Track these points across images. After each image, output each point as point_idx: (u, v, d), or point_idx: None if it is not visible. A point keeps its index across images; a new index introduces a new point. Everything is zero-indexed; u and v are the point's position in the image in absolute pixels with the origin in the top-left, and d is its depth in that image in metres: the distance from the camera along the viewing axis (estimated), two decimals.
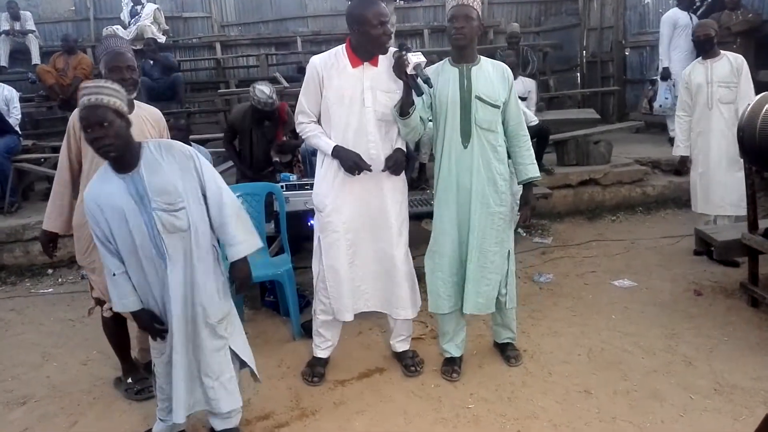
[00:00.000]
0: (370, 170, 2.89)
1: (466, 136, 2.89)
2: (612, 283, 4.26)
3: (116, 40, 3.14)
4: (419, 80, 2.72)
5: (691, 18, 6.99)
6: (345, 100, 2.89)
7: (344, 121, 2.91)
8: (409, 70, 2.69)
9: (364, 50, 2.87)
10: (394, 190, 3.03)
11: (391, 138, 2.99)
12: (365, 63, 2.89)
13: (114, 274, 2.36)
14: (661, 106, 6.97)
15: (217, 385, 2.51)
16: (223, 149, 5.81)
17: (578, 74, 10.48)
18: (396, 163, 2.96)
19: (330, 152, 2.90)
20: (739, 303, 3.79)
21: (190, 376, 2.49)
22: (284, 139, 4.95)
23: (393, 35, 2.97)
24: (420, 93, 2.77)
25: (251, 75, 9.76)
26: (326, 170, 3.01)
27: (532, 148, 3.05)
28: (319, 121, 3.00)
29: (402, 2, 10.83)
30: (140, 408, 3.00)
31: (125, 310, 2.42)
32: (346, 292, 3.03)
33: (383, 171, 2.95)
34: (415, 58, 2.68)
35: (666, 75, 6.89)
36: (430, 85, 2.75)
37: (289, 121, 4.86)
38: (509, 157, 3.02)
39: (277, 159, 4.91)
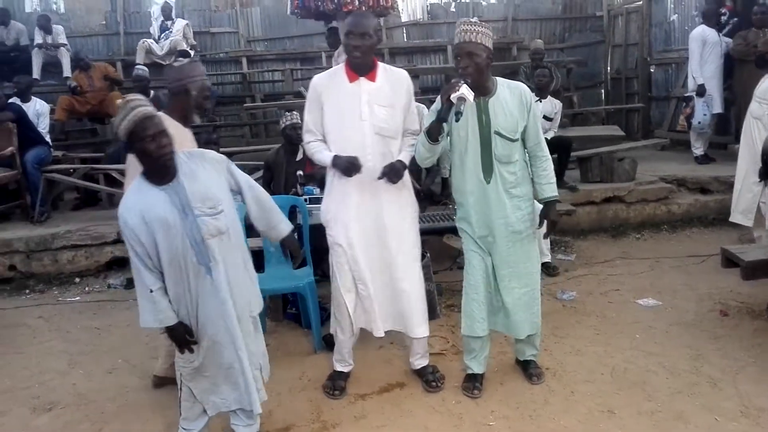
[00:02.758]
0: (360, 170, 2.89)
1: (487, 171, 2.88)
2: (636, 301, 4.21)
3: (196, 67, 3.24)
4: (452, 110, 2.68)
5: (719, 35, 6.95)
6: (343, 114, 2.94)
7: (343, 136, 2.95)
8: (453, 97, 2.64)
9: (350, 62, 2.94)
10: (395, 205, 3.03)
11: (391, 152, 2.99)
12: (362, 78, 2.93)
13: (151, 291, 2.39)
14: (699, 123, 6.93)
15: (260, 380, 2.62)
16: (248, 162, 5.90)
17: (602, 91, 10.44)
18: (392, 170, 2.93)
19: (330, 163, 2.93)
20: (766, 324, 3.72)
21: (246, 374, 2.53)
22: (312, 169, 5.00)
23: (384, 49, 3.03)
24: (444, 120, 2.73)
25: (276, 89, 9.90)
26: (330, 186, 3.06)
27: (551, 167, 3.03)
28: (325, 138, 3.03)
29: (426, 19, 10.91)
30: (164, 417, 3.03)
31: (161, 325, 2.45)
32: (366, 307, 3.04)
33: (379, 178, 2.94)
34: (466, 91, 2.63)
35: (702, 91, 6.83)
36: (457, 120, 2.71)
37: None
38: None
39: (301, 173, 4.95)
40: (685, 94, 7.41)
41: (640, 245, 5.58)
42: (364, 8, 3.71)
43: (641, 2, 9.79)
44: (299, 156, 4.80)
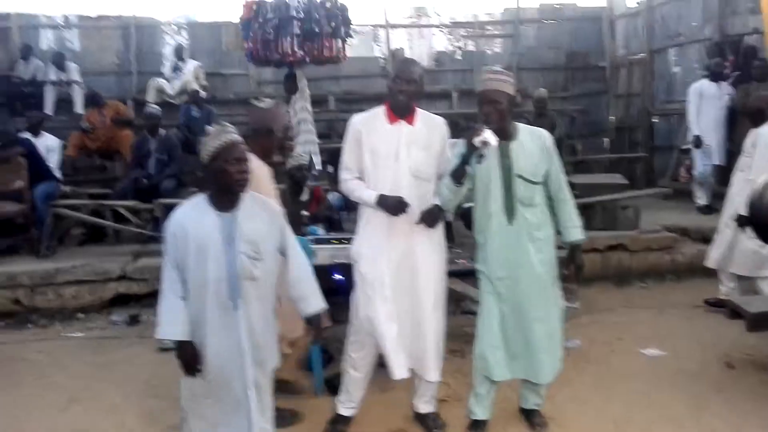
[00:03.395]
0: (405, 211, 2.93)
1: (510, 213, 2.93)
2: (640, 351, 4.19)
3: (279, 107, 3.43)
4: (475, 154, 2.74)
5: (720, 88, 7.08)
6: (381, 155, 3.00)
7: (380, 176, 3.01)
8: (477, 141, 2.70)
9: (393, 105, 3.01)
10: (430, 246, 3.07)
11: (426, 195, 3.04)
12: (401, 120, 3.00)
13: (180, 298, 2.43)
14: (701, 173, 7.03)
15: (268, 428, 2.58)
16: None
17: (605, 140, 10.57)
18: (430, 215, 3.00)
19: (374, 202, 2.97)
20: None
21: (248, 420, 2.49)
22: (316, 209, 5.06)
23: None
24: (466, 163, 2.79)
25: None
26: (365, 223, 3.10)
27: (575, 210, 3.08)
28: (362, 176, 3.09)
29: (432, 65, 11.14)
30: None
31: (174, 337, 2.45)
32: (389, 346, 3.01)
33: (417, 223, 2.99)
34: (491, 138, 2.69)
35: (698, 143, 6.95)
36: (479, 163, 2.78)
37: (323, 201, 5.05)
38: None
39: (306, 213, 4.99)
40: (683, 146, 7.53)
41: (643, 294, 5.57)
42: (308, 59, 3.84)
43: (644, 54, 10.02)
44: (304, 197, 4.85)
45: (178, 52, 9.45)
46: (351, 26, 4.12)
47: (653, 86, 9.88)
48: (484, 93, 2.89)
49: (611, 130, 10.56)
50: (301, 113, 6.81)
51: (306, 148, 6.70)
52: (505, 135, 2.92)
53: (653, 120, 9.82)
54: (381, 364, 3.26)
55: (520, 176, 2.91)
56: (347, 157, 3.10)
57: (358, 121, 3.08)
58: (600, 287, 5.71)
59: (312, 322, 2.66)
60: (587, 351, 4.20)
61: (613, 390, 3.61)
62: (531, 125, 3.15)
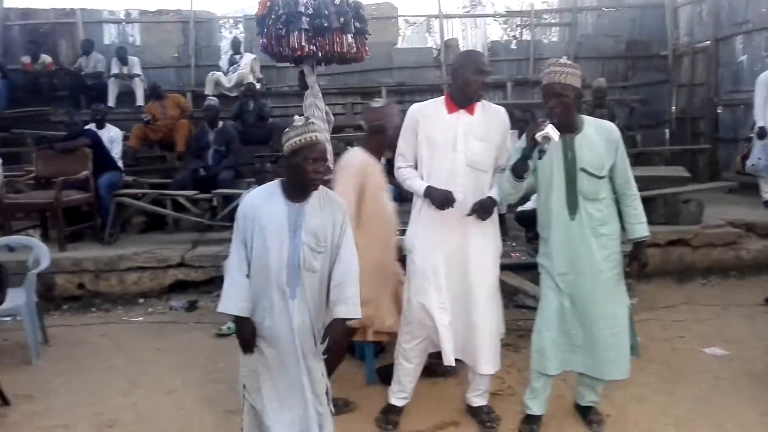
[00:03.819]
0: (452, 205, 2.91)
1: (572, 208, 2.87)
2: (702, 350, 4.05)
3: (392, 108, 3.56)
4: (537, 149, 2.69)
5: None
6: (437, 144, 2.98)
7: (436, 165, 2.99)
8: (539, 135, 2.65)
9: (462, 97, 2.97)
10: (483, 238, 3.03)
11: (482, 186, 3.01)
12: (461, 110, 2.97)
13: (246, 276, 2.50)
14: (753, 165, 6.70)
15: (324, 411, 2.61)
16: None
17: (666, 131, 10.22)
18: (482, 207, 2.95)
19: (422, 192, 2.97)
20: None
21: (307, 403, 2.54)
22: None
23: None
24: (528, 157, 2.74)
25: (337, 122, 10.06)
26: (417, 213, 3.09)
27: (641, 206, 2.98)
28: (416, 165, 3.09)
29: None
30: None
31: (235, 312, 2.51)
32: (443, 335, 3.00)
33: (468, 215, 2.96)
34: (551, 131, 2.64)
35: (762, 134, 6.62)
36: (540, 158, 2.74)
37: None
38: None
39: None
40: (748, 135, 7.19)
41: (706, 291, 5.38)
42: (320, 54, 3.87)
43: (709, 42, 9.62)
44: None
45: (235, 46, 9.63)
46: (365, 23, 4.13)
47: (718, 75, 9.48)
48: (549, 86, 2.81)
49: (672, 121, 10.20)
50: (309, 110, 6.84)
51: None
52: (569, 128, 2.85)
53: (717, 110, 9.42)
54: (433, 357, 3.26)
55: (584, 170, 2.84)
56: (402, 145, 3.09)
57: (416, 109, 3.07)
58: (660, 283, 5.54)
59: (335, 327, 2.54)
60: (647, 349, 4.06)
61: (674, 390, 3.50)
62: (588, 116, 3.05)
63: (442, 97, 3.06)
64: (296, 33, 3.90)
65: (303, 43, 3.99)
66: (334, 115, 10.69)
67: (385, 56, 10.74)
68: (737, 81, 9.05)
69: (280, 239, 2.47)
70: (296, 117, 2.57)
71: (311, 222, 2.50)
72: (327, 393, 2.65)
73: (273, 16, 4.02)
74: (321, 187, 2.58)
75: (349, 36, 4.11)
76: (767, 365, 3.78)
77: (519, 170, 2.78)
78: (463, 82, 2.93)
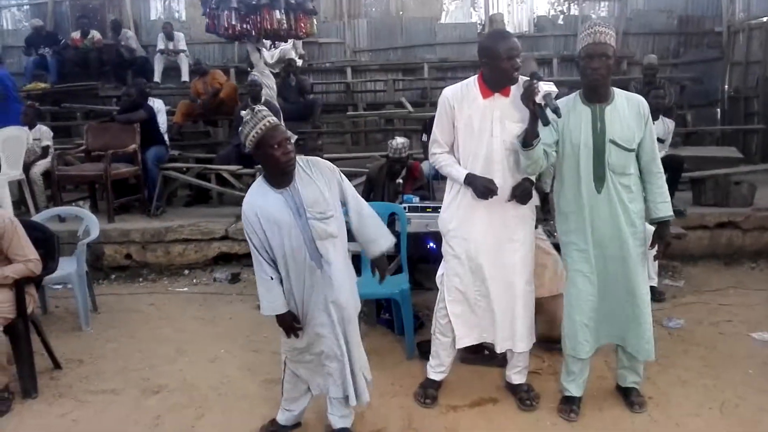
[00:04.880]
0: (496, 194, 2.87)
1: (599, 180, 2.79)
2: (750, 335, 3.93)
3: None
4: (547, 110, 2.64)
5: None
6: (474, 130, 2.90)
7: (473, 151, 2.93)
8: (538, 99, 2.62)
9: (495, 82, 2.87)
10: (520, 220, 2.99)
11: (520, 166, 2.96)
12: (496, 94, 2.89)
13: (271, 278, 2.59)
14: None
15: (367, 378, 2.77)
16: (349, 168, 6.06)
17: (718, 110, 9.86)
18: (523, 192, 2.91)
19: (462, 180, 2.92)
20: None
21: (345, 366, 2.68)
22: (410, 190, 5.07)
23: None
24: (546, 123, 2.67)
25: (378, 99, 10.08)
26: (453, 196, 3.05)
27: (665, 185, 2.89)
28: (452, 150, 3.04)
29: (532, 32, 10.76)
30: (261, 409, 3.15)
31: (274, 312, 2.62)
32: (469, 318, 3.03)
33: (509, 201, 2.93)
34: (546, 86, 2.61)
35: None
36: (559, 115, 2.65)
37: (420, 179, 5.03)
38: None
39: (401, 180, 5.01)
40: None
41: (756, 275, 5.22)
42: (253, 33, 3.77)
43: (766, 18, 9.20)
44: (399, 179, 4.88)
45: None
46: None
47: None
48: (593, 46, 2.69)
49: (724, 100, 9.84)
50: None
51: None
52: (601, 97, 2.78)
53: None
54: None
55: (614, 142, 2.75)
56: (437, 131, 3.02)
57: (449, 95, 2.96)
58: (707, 266, 5.40)
59: (377, 263, 2.80)
60: (693, 332, 3.99)
61: (720, 374, 3.42)
62: (639, 94, 2.95)
63: (474, 79, 2.95)
64: (227, 12, 3.87)
65: (234, 22, 3.97)
66: (375, 92, 10.78)
67: (428, 32, 10.63)
68: None
69: (290, 226, 2.53)
70: (242, 113, 2.59)
71: (309, 196, 2.56)
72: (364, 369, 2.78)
73: None
74: (299, 158, 2.60)
75: (278, 12, 4.04)
76: None
77: (528, 137, 2.71)
78: (496, 70, 2.82)
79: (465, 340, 3.09)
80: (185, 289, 5.22)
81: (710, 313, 4.32)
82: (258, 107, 2.55)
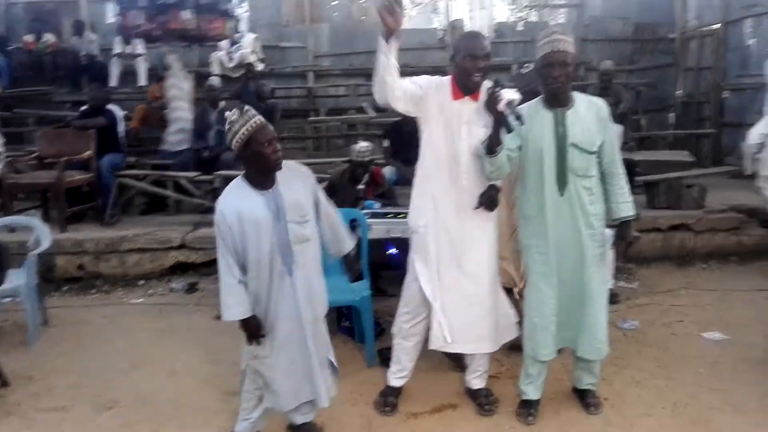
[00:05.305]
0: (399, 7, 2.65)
1: (562, 183, 2.84)
2: (701, 334, 4.04)
3: None
4: (510, 117, 2.69)
5: None
6: (443, 130, 2.93)
7: (440, 145, 2.94)
8: (501, 107, 2.67)
9: (461, 83, 2.91)
10: (483, 223, 3.01)
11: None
12: (466, 97, 2.92)
13: (239, 282, 2.57)
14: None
15: (330, 377, 2.80)
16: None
17: (671, 115, 10.13)
18: (489, 200, 2.95)
19: (383, 40, 2.68)
20: None
21: (313, 370, 2.68)
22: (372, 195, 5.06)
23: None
24: (510, 130, 2.73)
25: (340, 104, 10.05)
26: (418, 194, 3.06)
27: (627, 185, 2.97)
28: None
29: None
30: (220, 419, 3.10)
31: (239, 317, 2.59)
32: (437, 317, 3.02)
33: (476, 208, 2.95)
34: (508, 94, 2.66)
35: None
36: (522, 123, 2.71)
37: (381, 185, 5.03)
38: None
39: (362, 186, 5.00)
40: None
41: (706, 276, 5.36)
42: (159, 33, 3.76)
43: (717, 26, 9.49)
44: (361, 185, 4.87)
45: (234, 24, 9.50)
46: (215, 0, 4.06)
47: (726, 59, 9.38)
48: (553, 55, 2.74)
49: (678, 105, 10.12)
50: (170, 90, 6.85)
51: (179, 125, 6.74)
52: (562, 102, 2.84)
53: (724, 95, 9.33)
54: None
55: (575, 145, 2.81)
56: (417, 80, 2.92)
57: (430, 81, 2.93)
58: (660, 268, 5.53)
59: (348, 259, 2.94)
60: (646, 333, 4.08)
61: (672, 374, 3.50)
62: (577, 93, 3.01)
63: (449, 79, 2.97)
64: (133, 12, 3.85)
65: (140, 22, 3.95)
66: (337, 96, 10.74)
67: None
68: (745, 65, 8.96)
69: (268, 228, 2.54)
70: (227, 114, 2.59)
71: (289, 199, 2.59)
72: (330, 355, 2.82)
73: None
74: (285, 162, 2.63)
75: (187, 12, 4.03)
76: (766, 350, 3.77)
77: (491, 145, 2.76)
78: (459, 69, 2.87)
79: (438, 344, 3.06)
80: (140, 300, 5.10)
81: (663, 314, 4.42)
82: (246, 107, 2.57)
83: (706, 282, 5.16)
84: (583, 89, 7.30)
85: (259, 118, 2.53)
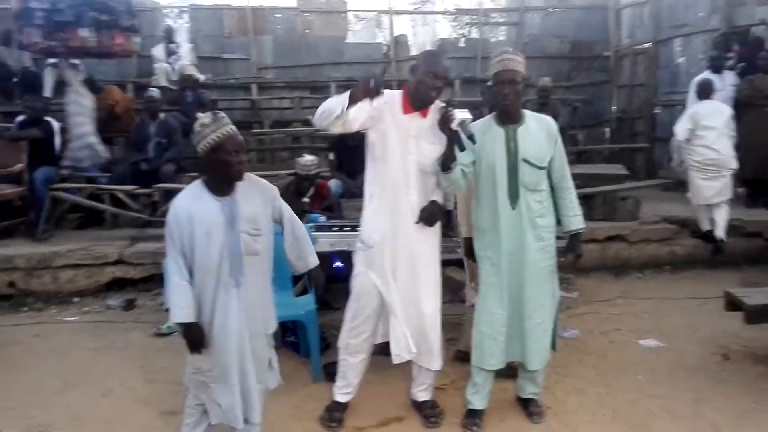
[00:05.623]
0: (380, 92, 2.77)
1: (514, 197, 2.91)
2: (638, 342, 4.18)
3: None
4: (463, 136, 2.76)
5: (722, 80, 7.01)
6: (391, 143, 2.94)
7: (389, 159, 2.95)
8: (454, 126, 2.74)
9: (415, 98, 2.94)
10: (426, 238, 3.04)
11: (429, 188, 3.02)
12: (415, 113, 2.95)
13: (187, 283, 2.52)
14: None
15: (263, 394, 2.73)
16: None
17: (607, 130, 10.52)
18: (430, 214, 2.98)
19: (348, 96, 2.75)
20: None
21: (252, 386, 2.63)
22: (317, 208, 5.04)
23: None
24: (462, 148, 2.80)
25: (285, 116, 9.99)
26: (368, 208, 3.06)
27: (576, 199, 3.07)
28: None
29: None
30: None
31: (185, 319, 2.53)
32: (391, 331, 3.01)
33: (417, 222, 2.97)
34: (461, 114, 2.73)
35: None
36: (474, 142, 2.79)
37: (327, 198, 5.02)
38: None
39: (307, 199, 4.97)
40: None
41: (642, 285, 5.56)
42: (59, 50, 3.77)
43: (649, 44, 9.94)
44: (306, 198, 4.85)
45: (168, 34, 9.32)
46: (120, 16, 4.09)
47: (657, 77, 9.82)
48: (503, 73, 2.84)
49: (612, 120, 10.52)
50: (71, 106, 6.84)
51: (84, 141, 6.71)
52: (513, 119, 2.93)
53: (656, 111, 9.76)
54: (377, 352, 3.25)
55: (526, 161, 2.89)
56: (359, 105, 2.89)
57: (387, 98, 2.91)
58: (598, 278, 5.70)
59: (312, 276, 2.89)
60: (586, 342, 4.19)
61: (612, 381, 3.60)
62: (528, 111, 3.11)
63: (400, 93, 2.99)
64: (30, 29, 3.83)
65: (37, 39, 3.93)
66: (281, 109, 10.68)
67: (334, 50, 10.71)
68: (675, 82, 9.40)
69: (219, 235, 2.51)
70: (200, 115, 2.57)
71: (246, 210, 2.56)
72: (271, 365, 2.77)
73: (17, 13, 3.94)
74: (248, 173, 2.63)
75: (85, 30, 4.03)
76: (699, 356, 3.93)
77: (446, 161, 2.83)
78: (418, 84, 2.89)
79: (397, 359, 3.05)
80: (75, 318, 4.89)
81: (601, 323, 4.55)
82: (220, 113, 2.54)
83: (642, 291, 5.35)
84: (522, 105, 7.55)
85: (231, 127, 2.50)
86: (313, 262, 2.87)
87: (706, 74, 7.08)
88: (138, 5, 10.26)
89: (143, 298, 5.16)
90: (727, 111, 6.01)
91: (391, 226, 2.98)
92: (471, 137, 2.76)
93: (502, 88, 2.86)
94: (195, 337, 2.56)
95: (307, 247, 2.84)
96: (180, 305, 2.51)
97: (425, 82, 2.87)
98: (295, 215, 2.82)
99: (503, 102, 2.88)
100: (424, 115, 2.95)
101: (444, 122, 2.77)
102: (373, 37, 11.53)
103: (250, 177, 2.66)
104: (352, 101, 2.75)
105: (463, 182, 2.95)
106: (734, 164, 5.85)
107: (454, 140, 2.78)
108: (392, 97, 2.98)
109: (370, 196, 3.06)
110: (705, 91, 6.11)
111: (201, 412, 2.73)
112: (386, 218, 2.99)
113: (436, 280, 3.08)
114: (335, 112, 2.78)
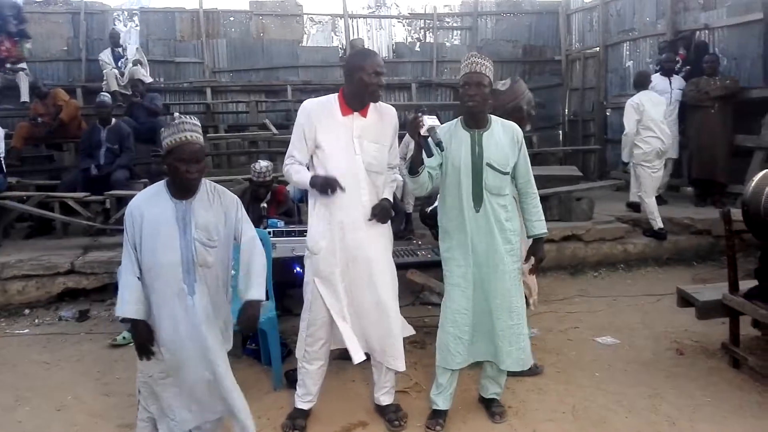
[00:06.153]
0: (342, 189, 2.88)
1: (478, 200, 2.95)
2: (595, 339, 4.27)
3: (521, 85, 3.79)
4: (431, 142, 2.78)
5: (670, 83, 7.24)
6: (338, 147, 2.94)
7: (339, 167, 2.94)
8: (423, 132, 2.76)
9: (356, 100, 2.94)
10: (379, 239, 3.05)
11: (379, 188, 3.03)
12: (355, 113, 2.96)
13: (138, 278, 2.47)
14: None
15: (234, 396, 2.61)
16: None
17: (560, 132, 10.74)
18: (382, 210, 2.99)
19: (308, 182, 2.92)
20: (721, 363, 3.81)
21: (207, 398, 2.58)
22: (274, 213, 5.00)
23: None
24: (430, 154, 2.82)
25: (241, 120, 9.88)
26: (313, 214, 3.05)
27: (540, 204, 3.12)
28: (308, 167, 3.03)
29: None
30: None
31: (132, 315, 2.48)
32: (345, 334, 2.99)
33: (369, 220, 2.98)
34: (430, 121, 2.77)
35: None
36: (442, 149, 2.83)
37: (284, 203, 4.99)
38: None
39: (265, 205, 4.92)
40: None
41: (597, 283, 5.69)
42: None
43: (598, 48, 10.20)
44: (263, 203, 4.80)
45: (114, 39, 9.07)
46: (3, 22, 4.12)
47: (607, 80, 10.08)
48: (470, 75, 2.89)
49: (565, 123, 10.75)
50: None
51: None
52: (479, 123, 2.97)
53: (606, 113, 10.02)
54: (338, 357, 3.24)
55: (490, 165, 2.93)
56: (295, 147, 2.99)
57: (311, 108, 2.97)
58: (555, 276, 5.81)
59: (246, 309, 2.57)
60: (545, 340, 4.26)
61: (570, 379, 3.66)
62: (494, 116, 3.15)
63: (335, 96, 3.00)
64: None
65: None
66: (237, 113, 10.58)
67: (290, 54, 10.64)
68: (624, 85, 9.66)
69: (170, 238, 2.47)
70: (175, 114, 2.55)
71: (201, 217, 2.51)
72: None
73: None
74: (208, 182, 2.59)
75: None
76: (654, 351, 4.04)
77: (414, 165, 2.86)
78: (360, 84, 2.89)
79: (356, 357, 3.02)
80: (26, 330, 4.72)
81: (559, 321, 4.64)
82: (188, 118, 2.48)
83: (598, 289, 5.47)
84: (490, 111, 7.64)
85: (191, 135, 2.43)
86: (254, 294, 2.58)
87: (655, 77, 7.29)
88: (87, 8, 10.07)
89: (97, 308, 5.02)
90: (664, 100, 6.33)
91: (339, 230, 2.97)
92: (439, 144, 2.79)
93: (468, 89, 2.91)
94: (142, 336, 2.49)
95: (254, 279, 2.60)
96: (126, 299, 2.47)
97: (370, 82, 2.88)
98: (257, 241, 2.68)
99: (469, 102, 2.92)
100: (364, 114, 2.97)
101: (413, 128, 2.79)
102: (329, 40, 11.49)
103: (217, 188, 2.61)
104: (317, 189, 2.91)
105: (430, 185, 2.99)
106: (676, 154, 6.09)
107: (422, 146, 2.80)
108: (322, 104, 3.00)
109: (315, 202, 3.05)
110: (642, 82, 6.32)
111: (153, 425, 2.66)
112: (333, 223, 2.97)
113: (393, 279, 3.09)
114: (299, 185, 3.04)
